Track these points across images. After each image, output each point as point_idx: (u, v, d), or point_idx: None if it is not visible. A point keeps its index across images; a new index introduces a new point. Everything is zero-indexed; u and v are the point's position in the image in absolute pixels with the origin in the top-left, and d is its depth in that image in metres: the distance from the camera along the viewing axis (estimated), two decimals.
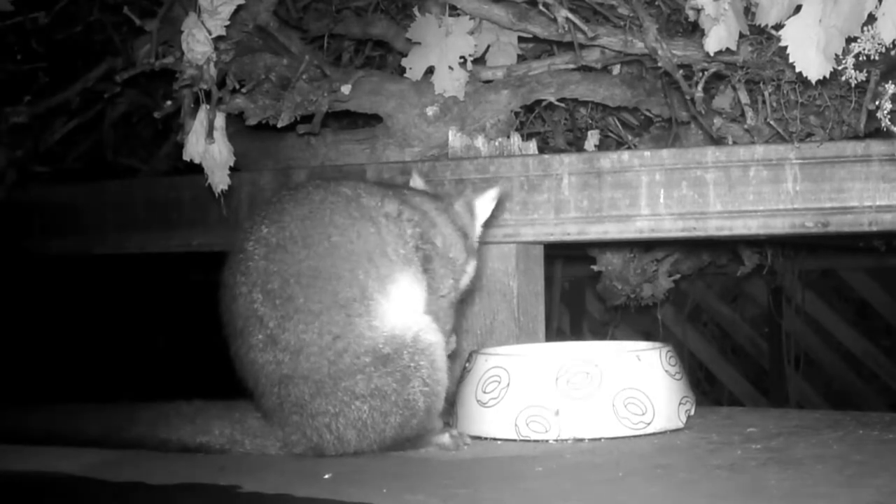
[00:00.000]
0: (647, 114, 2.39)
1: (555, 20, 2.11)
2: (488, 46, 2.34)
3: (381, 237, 1.70)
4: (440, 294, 1.76)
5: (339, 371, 1.65)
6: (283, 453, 1.71)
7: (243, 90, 2.27)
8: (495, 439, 1.78)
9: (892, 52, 1.74)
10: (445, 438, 1.73)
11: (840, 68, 1.76)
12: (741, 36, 1.89)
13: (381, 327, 1.67)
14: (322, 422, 1.66)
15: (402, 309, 1.70)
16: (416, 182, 1.94)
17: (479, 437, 1.79)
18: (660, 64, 2.03)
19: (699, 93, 2.03)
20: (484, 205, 1.87)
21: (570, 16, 2.09)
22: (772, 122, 2.05)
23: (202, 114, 2.19)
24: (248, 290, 1.68)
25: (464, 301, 2.03)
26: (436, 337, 1.72)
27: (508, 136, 2.27)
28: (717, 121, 2.19)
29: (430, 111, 2.29)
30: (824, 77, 1.75)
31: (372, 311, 1.67)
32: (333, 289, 1.66)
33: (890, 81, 1.77)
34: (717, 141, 2.19)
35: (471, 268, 1.84)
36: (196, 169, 2.22)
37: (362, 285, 1.66)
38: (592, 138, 2.54)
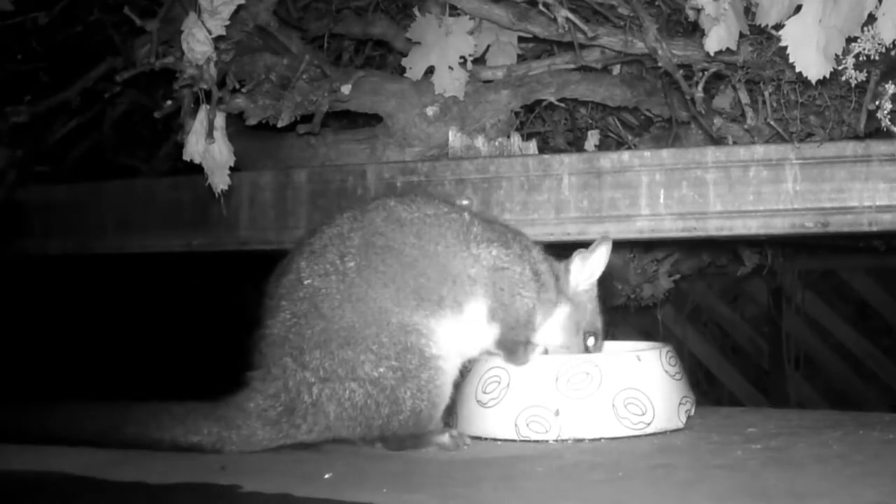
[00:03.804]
0: (647, 114, 2.39)
1: (555, 20, 2.11)
2: (488, 46, 2.34)
3: (464, 262, 1.76)
4: (510, 327, 1.79)
5: (358, 333, 1.69)
6: (267, 432, 1.72)
7: (243, 90, 2.27)
8: (495, 439, 1.78)
9: (892, 52, 1.74)
10: (445, 438, 1.73)
11: (840, 68, 1.76)
12: (741, 36, 1.89)
13: (425, 331, 1.71)
14: (308, 378, 1.69)
15: (453, 330, 1.75)
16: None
17: (479, 437, 1.79)
18: (660, 64, 2.03)
19: (699, 93, 2.03)
20: (581, 263, 1.88)
21: (570, 16, 2.09)
22: (772, 122, 2.05)
23: (202, 114, 2.19)
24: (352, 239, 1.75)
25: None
26: (451, 368, 1.76)
27: (508, 136, 2.27)
28: (717, 121, 2.19)
29: (430, 111, 2.29)
30: (824, 77, 1.75)
31: (433, 314, 1.72)
32: (416, 280, 1.72)
33: (890, 81, 1.78)
34: (717, 141, 2.19)
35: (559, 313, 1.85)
36: (196, 169, 2.22)
37: (441, 295, 1.73)
38: (592, 138, 2.54)
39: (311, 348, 1.70)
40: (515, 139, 2.26)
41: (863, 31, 1.72)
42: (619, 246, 2.68)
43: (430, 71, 2.26)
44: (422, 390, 1.70)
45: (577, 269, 1.88)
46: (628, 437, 1.74)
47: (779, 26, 1.77)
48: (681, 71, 2.03)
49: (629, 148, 2.46)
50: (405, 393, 1.70)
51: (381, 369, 1.69)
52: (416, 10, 2.27)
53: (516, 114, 2.39)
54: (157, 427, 1.77)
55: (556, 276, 1.86)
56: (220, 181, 2.21)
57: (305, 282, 1.73)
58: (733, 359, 4.65)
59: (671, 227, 2.08)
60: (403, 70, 2.28)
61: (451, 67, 2.24)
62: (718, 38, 1.83)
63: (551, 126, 2.61)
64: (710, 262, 3.18)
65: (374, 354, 1.69)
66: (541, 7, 2.12)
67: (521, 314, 1.79)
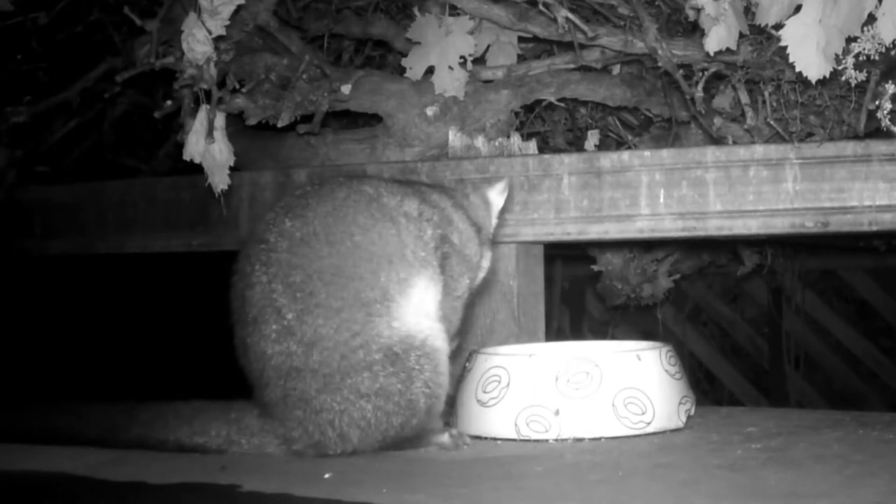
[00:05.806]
0: (647, 114, 2.39)
1: (555, 20, 2.11)
2: (488, 46, 2.34)
3: (401, 239, 1.71)
4: (456, 295, 1.77)
5: (348, 366, 1.65)
6: (283, 451, 1.71)
7: (243, 90, 2.27)
8: (495, 439, 1.78)
9: (892, 52, 1.75)
10: (445, 438, 1.73)
11: (840, 68, 1.76)
12: (741, 36, 1.89)
13: (399, 328, 1.68)
14: (326, 418, 1.66)
15: (418, 311, 1.71)
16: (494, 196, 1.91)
17: (479, 437, 1.79)
18: (660, 64, 2.03)
19: (699, 93, 2.03)
20: (496, 195, 1.89)
21: (570, 16, 2.09)
22: (772, 122, 2.05)
23: (202, 114, 2.19)
24: (268, 280, 1.68)
25: (474, 302, 2.02)
26: (442, 344, 1.73)
27: (508, 136, 2.27)
28: (717, 121, 2.19)
29: (430, 111, 2.29)
30: (824, 77, 1.75)
31: (392, 312, 1.68)
32: (356, 288, 1.67)
33: (890, 81, 1.78)
34: (717, 141, 2.19)
35: (486, 261, 1.85)
36: (196, 169, 2.22)
37: (383, 287, 1.68)
38: (592, 138, 2.54)
39: (316, 395, 1.66)
40: (515, 139, 2.26)
41: (863, 30, 1.72)
42: (619, 246, 2.70)
43: (430, 71, 2.26)
44: (428, 384, 1.68)
45: None
46: (628, 437, 1.74)
47: (779, 26, 1.78)
48: (681, 71, 2.03)
49: (629, 148, 2.46)
50: (418, 394, 1.68)
51: (381, 379, 1.67)
52: (416, 10, 2.27)
53: (516, 114, 2.39)
54: (164, 428, 1.76)
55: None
56: (220, 181, 2.21)
57: (268, 352, 1.67)
58: (733, 359, 4.66)
59: (671, 227, 2.08)
60: (403, 70, 2.28)
61: (451, 67, 2.24)
62: (718, 37, 1.83)
63: (551, 126, 2.61)
64: (710, 261, 3.18)
65: (369, 372, 1.66)
66: (541, 7, 2.12)
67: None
